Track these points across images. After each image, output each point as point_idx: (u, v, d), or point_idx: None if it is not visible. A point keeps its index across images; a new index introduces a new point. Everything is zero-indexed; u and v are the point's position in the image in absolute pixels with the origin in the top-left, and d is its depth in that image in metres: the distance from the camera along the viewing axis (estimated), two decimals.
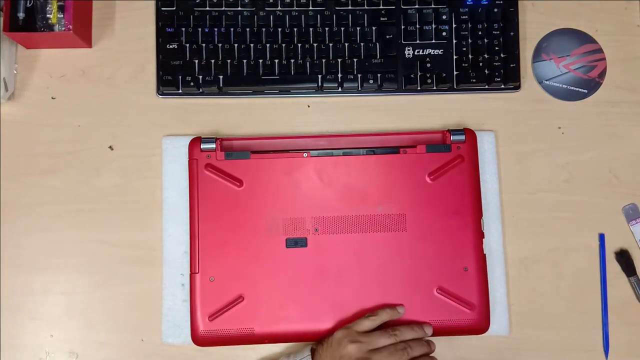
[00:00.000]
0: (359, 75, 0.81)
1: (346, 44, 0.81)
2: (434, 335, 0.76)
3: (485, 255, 0.76)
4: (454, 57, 0.82)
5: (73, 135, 0.81)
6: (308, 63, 0.80)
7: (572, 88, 0.83)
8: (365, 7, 0.81)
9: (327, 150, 0.78)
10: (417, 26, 0.81)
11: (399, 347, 0.71)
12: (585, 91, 0.83)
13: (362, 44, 0.81)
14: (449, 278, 0.75)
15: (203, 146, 0.77)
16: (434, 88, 0.81)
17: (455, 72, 0.81)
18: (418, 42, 0.82)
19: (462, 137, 0.78)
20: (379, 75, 0.81)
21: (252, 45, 0.80)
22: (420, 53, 0.82)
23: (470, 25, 0.81)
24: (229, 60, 0.80)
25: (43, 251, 0.79)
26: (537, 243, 0.80)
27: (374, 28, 0.81)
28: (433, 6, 0.82)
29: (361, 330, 0.72)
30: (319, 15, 0.81)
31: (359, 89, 0.81)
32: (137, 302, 0.78)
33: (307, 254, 0.75)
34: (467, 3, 0.82)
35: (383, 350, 0.70)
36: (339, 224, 0.76)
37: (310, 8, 0.81)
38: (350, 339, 0.70)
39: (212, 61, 0.80)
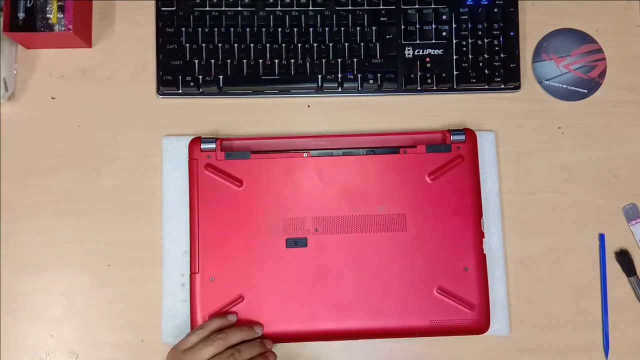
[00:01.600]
0: (359, 75, 0.81)
1: (346, 44, 0.81)
2: (433, 335, 0.76)
3: (485, 255, 0.76)
4: (454, 57, 0.81)
5: (73, 135, 0.81)
6: (308, 63, 0.80)
7: (572, 88, 0.83)
8: (365, 7, 0.81)
9: (327, 150, 0.78)
10: (417, 26, 0.81)
11: (224, 355, 0.68)
12: (585, 91, 0.83)
13: (362, 44, 0.81)
14: (449, 278, 0.75)
15: (203, 146, 0.77)
16: (434, 88, 0.81)
17: (455, 72, 0.81)
18: (418, 42, 0.82)
19: (462, 137, 0.78)
20: (379, 75, 0.81)
21: (252, 45, 0.80)
22: (420, 53, 0.82)
23: (470, 25, 0.81)
24: (229, 60, 0.80)
25: (43, 251, 0.79)
26: (537, 243, 0.80)
27: (374, 28, 0.81)
28: (433, 6, 0.82)
29: (187, 347, 0.69)
30: (319, 15, 0.81)
31: (359, 89, 0.81)
32: (137, 302, 0.78)
33: (307, 254, 0.75)
34: (467, 3, 0.82)
35: None
36: (339, 224, 0.76)
37: (310, 8, 0.81)
38: (171, 355, 0.69)
39: (212, 61, 0.80)
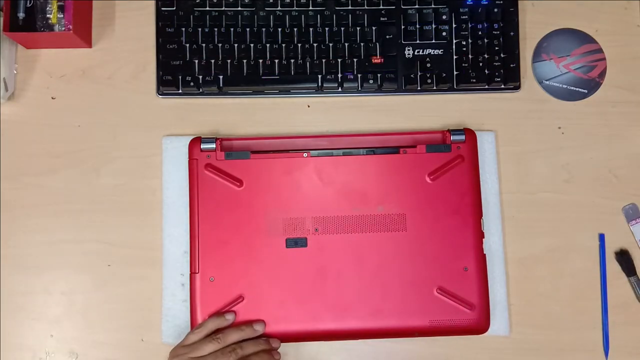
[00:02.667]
0: (359, 75, 0.81)
1: (346, 44, 0.81)
2: (433, 335, 0.76)
3: (485, 255, 0.76)
4: (454, 57, 0.81)
5: (73, 135, 0.81)
6: (308, 63, 0.80)
7: (572, 88, 0.83)
8: (365, 7, 0.81)
9: (327, 150, 0.78)
10: (417, 26, 0.81)
11: (226, 350, 0.69)
12: (585, 91, 0.83)
13: (362, 44, 0.81)
14: (449, 278, 0.75)
15: (203, 146, 0.77)
16: (434, 88, 0.81)
17: (455, 72, 0.81)
18: (418, 42, 0.82)
19: (462, 137, 0.78)
20: (379, 75, 0.81)
21: (252, 45, 0.80)
22: (420, 53, 0.82)
23: (470, 25, 0.81)
24: (229, 60, 0.80)
25: (43, 251, 0.79)
26: (537, 243, 0.80)
27: (374, 28, 0.81)
28: (433, 6, 0.82)
29: (186, 344, 0.70)
30: (319, 15, 0.81)
31: (359, 89, 0.81)
32: (137, 302, 0.78)
33: (307, 254, 0.75)
34: (467, 3, 0.82)
35: (208, 356, 0.69)
36: (339, 224, 0.76)
37: (310, 8, 0.81)
38: (172, 354, 0.70)
39: (212, 61, 0.80)
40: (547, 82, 0.83)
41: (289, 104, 0.82)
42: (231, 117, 0.82)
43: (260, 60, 0.80)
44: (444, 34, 0.81)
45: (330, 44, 0.81)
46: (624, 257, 0.80)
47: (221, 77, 0.80)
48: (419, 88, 0.81)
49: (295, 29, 0.80)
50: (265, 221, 0.76)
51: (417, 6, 0.82)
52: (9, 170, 0.80)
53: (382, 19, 0.81)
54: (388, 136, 0.79)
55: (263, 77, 0.80)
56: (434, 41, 0.82)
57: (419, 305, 0.75)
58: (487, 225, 0.79)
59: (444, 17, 0.81)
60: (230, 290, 0.75)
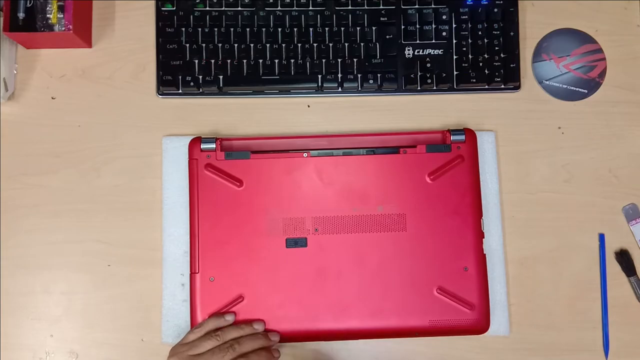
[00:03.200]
0: (359, 75, 0.81)
1: (346, 44, 0.81)
2: (433, 335, 0.76)
3: (485, 255, 0.76)
4: (454, 57, 0.81)
5: (73, 135, 0.81)
6: (308, 63, 0.80)
7: (572, 88, 0.83)
8: (365, 7, 0.81)
9: (327, 150, 0.78)
10: (417, 26, 0.81)
11: (224, 346, 0.70)
12: (585, 91, 0.83)
13: (362, 44, 0.81)
14: (449, 278, 0.75)
15: (203, 146, 0.77)
16: (434, 88, 0.81)
17: (455, 72, 0.81)
18: (418, 42, 0.82)
19: (462, 137, 0.78)
20: (379, 75, 0.81)
21: (252, 45, 0.80)
22: (420, 53, 0.82)
23: (470, 25, 0.81)
24: (229, 60, 0.80)
25: (43, 251, 0.79)
26: (537, 243, 0.80)
27: (374, 28, 0.81)
28: (433, 6, 0.82)
29: (185, 343, 0.71)
30: (319, 15, 0.81)
31: (359, 89, 0.81)
32: (137, 302, 0.78)
33: (307, 254, 0.75)
34: (467, 3, 0.82)
35: (206, 353, 0.69)
36: (339, 224, 0.76)
37: (310, 8, 0.81)
38: (172, 352, 0.70)
39: (212, 61, 0.80)
40: (547, 82, 0.83)
41: (289, 104, 0.82)
42: (231, 117, 0.82)
43: (260, 60, 0.80)
44: (444, 34, 0.81)
45: (330, 44, 0.81)
46: (624, 257, 0.80)
47: (221, 77, 0.80)
48: (419, 88, 0.81)
49: (295, 29, 0.80)
50: (265, 221, 0.76)
51: (417, 6, 0.82)
52: (9, 170, 0.80)
53: (382, 19, 0.81)
54: (388, 136, 0.79)
55: (263, 77, 0.80)
56: (434, 41, 0.82)
57: (419, 305, 0.75)
58: (487, 225, 0.79)
59: (444, 17, 0.81)
60: (230, 290, 0.75)
